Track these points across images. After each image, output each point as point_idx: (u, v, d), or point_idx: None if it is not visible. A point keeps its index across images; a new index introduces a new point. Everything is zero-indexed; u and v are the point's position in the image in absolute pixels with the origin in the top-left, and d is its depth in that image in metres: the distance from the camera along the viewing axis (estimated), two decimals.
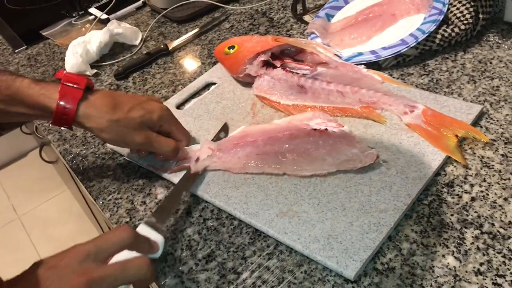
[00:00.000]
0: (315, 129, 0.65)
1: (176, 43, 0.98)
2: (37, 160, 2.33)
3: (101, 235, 0.47)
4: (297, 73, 0.76)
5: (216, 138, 0.71)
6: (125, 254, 0.47)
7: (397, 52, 0.75)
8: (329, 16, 0.90)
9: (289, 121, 0.69)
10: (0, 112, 0.64)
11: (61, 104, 0.59)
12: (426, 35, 0.75)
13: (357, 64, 0.76)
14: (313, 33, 0.86)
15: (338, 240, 0.54)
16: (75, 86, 0.60)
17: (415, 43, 0.75)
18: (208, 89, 0.84)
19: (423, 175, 0.59)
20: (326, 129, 0.64)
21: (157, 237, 0.54)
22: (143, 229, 0.55)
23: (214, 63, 0.90)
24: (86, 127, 0.63)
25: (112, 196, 0.68)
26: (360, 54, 0.78)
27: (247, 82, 0.80)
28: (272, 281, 0.53)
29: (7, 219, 2.13)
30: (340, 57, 0.78)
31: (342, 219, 0.56)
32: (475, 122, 0.65)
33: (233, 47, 0.82)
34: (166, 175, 0.68)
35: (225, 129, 0.72)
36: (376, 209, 0.57)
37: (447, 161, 0.61)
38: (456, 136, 0.63)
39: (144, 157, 0.69)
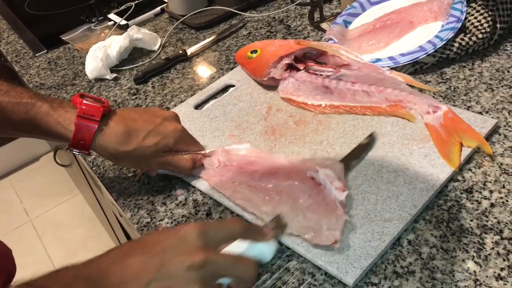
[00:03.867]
0: (312, 178, 0.60)
1: (194, 49, 0.99)
2: (49, 164, 2.37)
3: (215, 222, 0.47)
4: (321, 75, 0.77)
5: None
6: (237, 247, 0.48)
7: (416, 58, 0.76)
8: (346, 23, 0.91)
9: (305, 160, 0.65)
10: (17, 132, 0.66)
11: (76, 138, 0.61)
12: (444, 42, 0.76)
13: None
14: (331, 39, 0.87)
15: (340, 246, 0.54)
16: (91, 118, 0.61)
17: (433, 50, 0.76)
18: (227, 91, 0.85)
19: (430, 186, 0.59)
20: (320, 184, 0.59)
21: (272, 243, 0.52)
22: None
23: (232, 69, 0.91)
24: (102, 155, 0.65)
25: (133, 197, 0.69)
26: (378, 60, 0.79)
27: (271, 85, 0.81)
28: (293, 283, 0.53)
29: (19, 222, 2.15)
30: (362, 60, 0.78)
31: (346, 225, 0.56)
32: (489, 136, 0.65)
33: (255, 51, 0.83)
34: (185, 177, 0.69)
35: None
36: (381, 218, 0.57)
37: (465, 167, 0.62)
38: (461, 144, 0.63)
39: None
